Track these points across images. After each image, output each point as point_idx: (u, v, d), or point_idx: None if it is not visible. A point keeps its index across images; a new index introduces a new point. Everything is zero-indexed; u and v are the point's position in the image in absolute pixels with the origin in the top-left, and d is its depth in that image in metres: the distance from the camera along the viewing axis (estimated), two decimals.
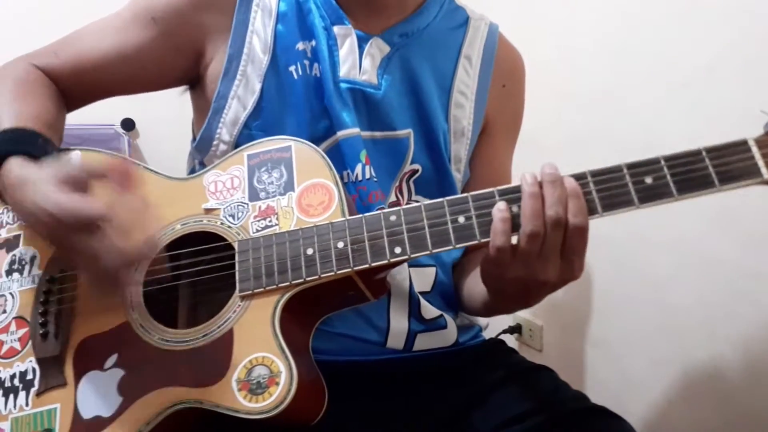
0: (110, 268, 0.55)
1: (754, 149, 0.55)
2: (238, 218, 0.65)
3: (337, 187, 0.64)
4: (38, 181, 0.57)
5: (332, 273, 0.59)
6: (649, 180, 0.56)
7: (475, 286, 0.75)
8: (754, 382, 1.01)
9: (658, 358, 1.18)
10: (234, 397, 0.56)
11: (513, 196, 0.58)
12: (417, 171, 0.79)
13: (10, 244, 0.69)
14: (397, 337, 0.76)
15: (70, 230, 0.55)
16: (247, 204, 0.66)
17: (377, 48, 0.77)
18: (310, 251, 0.61)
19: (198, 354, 0.59)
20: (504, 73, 0.85)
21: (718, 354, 1.07)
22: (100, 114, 0.82)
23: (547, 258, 0.56)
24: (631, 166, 0.57)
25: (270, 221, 0.64)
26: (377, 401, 0.75)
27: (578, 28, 1.34)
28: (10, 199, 0.61)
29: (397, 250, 0.59)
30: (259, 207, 0.65)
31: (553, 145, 1.39)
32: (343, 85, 0.75)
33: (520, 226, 0.57)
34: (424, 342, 0.78)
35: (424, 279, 0.80)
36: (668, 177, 0.56)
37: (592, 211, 0.56)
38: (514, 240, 0.57)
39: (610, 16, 1.25)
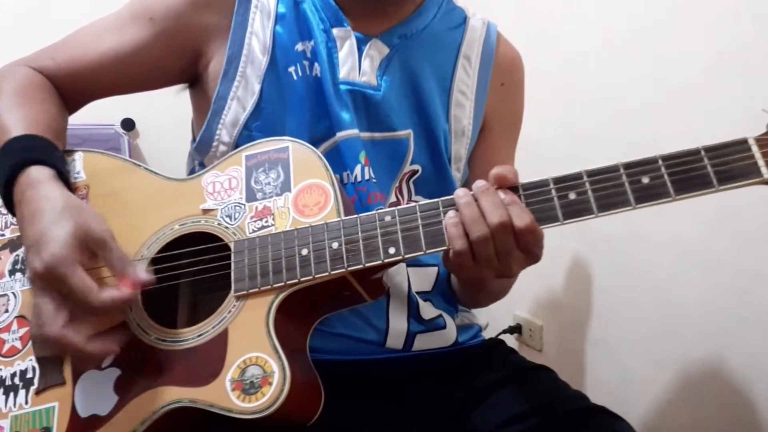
0: (52, 334, 0.54)
1: (755, 148, 0.54)
2: (235, 219, 0.65)
3: (333, 187, 0.64)
4: (61, 224, 0.56)
5: (326, 273, 0.59)
6: (646, 180, 0.55)
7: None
8: (754, 382, 1.00)
9: (658, 358, 1.17)
10: (227, 396, 0.56)
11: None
12: (417, 171, 0.79)
13: (14, 244, 0.70)
14: (396, 338, 0.76)
15: (58, 293, 0.55)
16: (244, 205, 0.66)
17: (376, 50, 0.77)
18: (304, 251, 0.61)
19: (193, 354, 0.59)
20: (503, 72, 0.84)
21: (718, 354, 1.06)
22: (100, 114, 0.82)
23: (507, 256, 0.57)
24: (628, 166, 0.56)
25: (266, 222, 0.64)
26: (377, 401, 0.75)
27: (579, 29, 1.34)
28: (20, 214, 0.60)
29: (391, 250, 0.59)
30: (256, 207, 0.65)
31: (554, 146, 1.39)
32: (343, 87, 0.75)
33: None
34: (424, 342, 0.78)
35: (424, 278, 0.80)
36: (666, 177, 0.55)
37: (587, 212, 0.56)
38: None
39: (611, 17, 1.25)
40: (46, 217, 0.57)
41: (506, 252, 0.57)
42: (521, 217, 0.56)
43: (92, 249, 0.57)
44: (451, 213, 0.58)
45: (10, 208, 0.63)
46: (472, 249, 0.57)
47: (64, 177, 0.64)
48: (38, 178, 0.61)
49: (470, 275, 0.59)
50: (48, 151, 0.65)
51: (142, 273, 0.58)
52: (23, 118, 0.67)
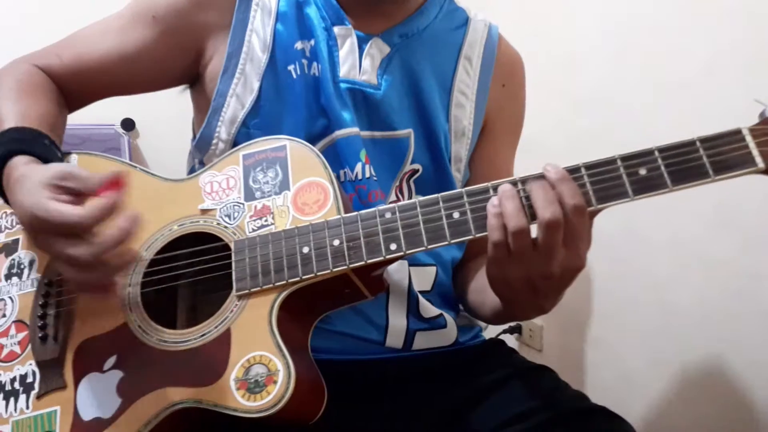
0: (90, 275, 0.55)
1: (748, 138, 0.55)
2: (234, 218, 0.65)
3: (332, 185, 0.64)
4: (33, 183, 0.57)
5: (328, 271, 0.60)
6: (643, 171, 0.56)
7: (484, 297, 0.74)
8: (753, 382, 1.01)
9: (658, 358, 1.17)
10: (232, 396, 0.56)
11: None
12: (417, 171, 0.79)
13: (9, 249, 0.69)
14: (396, 335, 0.76)
15: (51, 235, 0.55)
16: (243, 204, 0.66)
17: (377, 48, 0.77)
18: (306, 249, 0.61)
19: (196, 354, 0.59)
20: (504, 74, 0.85)
21: (717, 354, 1.07)
22: (100, 114, 0.82)
23: (547, 251, 0.56)
24: (626, 158, 0.56)
25: (266, 220, 0.64)
26: (377, 401, 0.75)
27: (578, 29, 1.35)
28: (11, 198, 0.61)
29: (393, 246, 0.59)
30: (255, 206, 0.65)
31: (555, 146, 1.39)
32: (343, 85, 0.75)
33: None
34: (424, 341, 0.78)
35: (424, 278, 0.80)
36: (662, 168, 0.55)
37: (586, 204, 0.56)
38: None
39: (610, 17, 1.26)
40: (25, 188, 0.58)
41: (545, 251, 0.55)
42: (573, 197, 0.54)
43: (63, 186, 0.57)
44: (495, 200, 0.56)
45: (4, 196, 0.65)
46: (507, 240, 0.55)
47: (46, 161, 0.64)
48: (22, 163, 0.62)
49: (504, 275, 0.58)
50: (35, 143, 0.64)
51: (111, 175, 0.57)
52: (15, 111, 0.67)
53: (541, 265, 0.56)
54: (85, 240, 0.55)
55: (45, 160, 0.63)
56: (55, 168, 0.58)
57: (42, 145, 0.65)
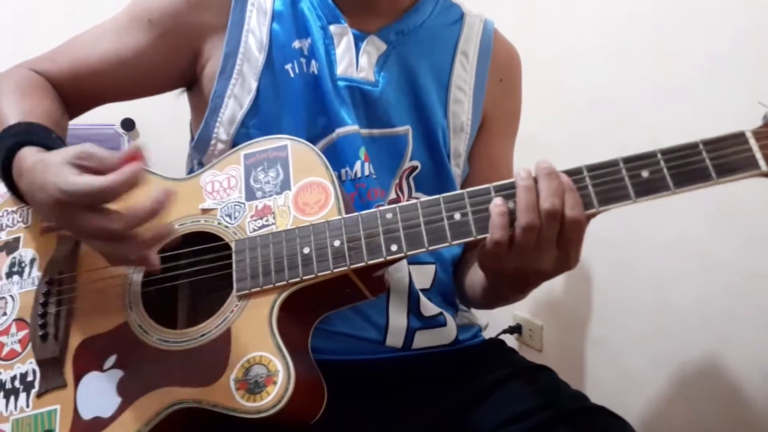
0: (123, 248, 0.55)
1: (752, 141, 0.55)
2: (235, 218, 0.65)
3: (333, 185, 0.64)
4: (53, 163, 0.57)
5: (329, 272, 0.59)
6: (645, 174, 0.56)
7: (476, 276, 0.75)
8: (753, 382, 1.01)
9: (658, 358, 1.17)
10: (232, 396, 0.56)
11: (509, 192, 0.58)
12: (416, 167, 0.79)
13: (10, 247, 0.69)
14: (395, 335, 0.76)
15: (80, 209, 0.55)
16: (244, 203, 0.66)
17: (373, 46, 0.77)
18: (306, 250, 0.61)
19: (196, 354, 0.59)
20: (501, 68, 0.85)
21: (718, 354, 1.06)
22: (100, 114, 0.82)
23: (544, 249, 0.57)
24: (628, 160, 0.56)
25: (267, 220, 0.64)
26: (377, 401, 0.75)
27: (579, 28, 1.34)
28: (25, 185, 0.61)
29: (394, 247, 0.59)
30: (256, 206, 0.65)
31: (555, 145, 1.39)
32: (341, 84, 0.75)
33: (515, 220, 0.56)
34: (424, 339, 0.78)
35: (423, 276, 0.80)
36: (665, 170, 0.55)
37: (588, 206, 0.56)
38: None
39: (611, 16, 1.25)
40: (45, 167, 0.58)
41: (547, 241, 0.56)
42: (573, 207, 0.55)
43: (83, 165, 0.56)
44: (499, 200, 0.57)
45: (12, 188, 0.64)
46: (512, 237, 0.56)
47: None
48: (33, 153, 0.61)
49: (499, 266, 0.59)
50: (40, 135, 0.64)
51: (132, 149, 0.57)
52: (20, 109, 0.67)
53: (536, 262, 0.57)
54: (115, 212, 0.54)
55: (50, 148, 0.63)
56: (73, 148, 0.58)
57: (50, 138, 0.64)
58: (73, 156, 0.56)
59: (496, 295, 0.73)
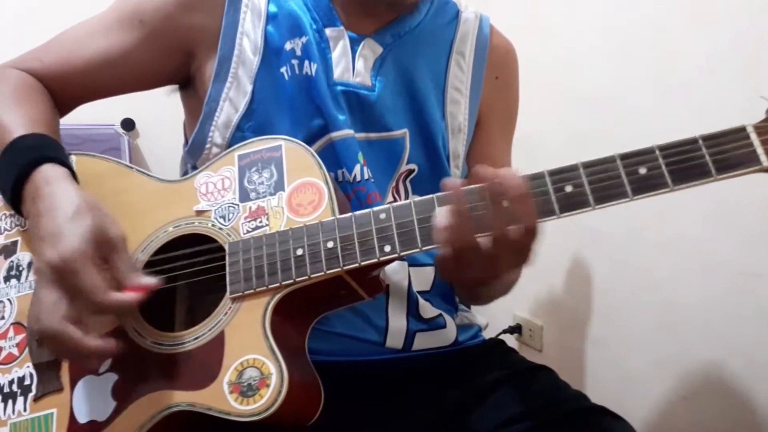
0: (52, 326, 0.54)
1: (753, 136, 0.53)
2: (229, 219, 0.65)
3: (327, 185, 0.63)
4: (77, 220, 0.56)
5: (322, 273, 0.59)
6: (643, 170, 0.54)
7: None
8: (754, 382, 1.00)
9: (658, 358, 1.17)
10: (225, 399, 0.56)
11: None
12: (413, 171, 0.78)
13: (7, 251, 0.69)
14: (396, 337, 0.76)
15: (59, 281, 0.54)
16: (238, 205, 0.65)
17: (370, 49, 0.76)
18: (299, 251, 0.60)
19: (190, 357, 0.59)
20: (497, 65, 0.84)
21: (718, 354, 1.06)
22: (100, 114, 0.82)
23: (496, 259, 0.55)
24: (625, 157, 0.55)
25: (260, 222, 0.64)
26: (377, 401, 0.74)
27: (579, 29, 1.34)
28: (35, 210, 0.60)
29: (387, 248, 0.58)
30: (250, 208, 0.65)
31: (554, 145, 1.38)
32: (338, 88, 0.74)
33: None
34: (424, 341, 0.77)
35: (423, 278, 0.79)
36: (663, 167, 0.54)
37: (584, 204, 0.55)
38: None
39: (611, 17, 1.25)
40: (65, 213, 0.57)
41: (493, 257, 0.55)
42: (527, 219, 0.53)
43: (105, 250, 0.57)
44: (440, 214, 0.55)
45: (17, 204, 0.63)
46: (455, 255, 0.55)
47: (74, 176, 0.64)
48: (55, 175, 0.61)
49: (453, 278, 0.59)
50: (58, 150, 0.64)
51: (148, 278, 0.58)
52: (23, 116, 0.67)
53: (492, 270, 0.56)
54: (85, 321, 0.55)
55: (73, 172, 0.64)
56: (112, 230, 0.57)
57: (63, 152, 0.64)
58: (92, 238, 0.56)
59: (473, 297, 0.73)
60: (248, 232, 0.63)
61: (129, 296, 0.55)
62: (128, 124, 1.63)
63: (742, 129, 0.54)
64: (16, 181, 0.62)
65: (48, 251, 0.55)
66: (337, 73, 0.74)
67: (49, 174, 0.61)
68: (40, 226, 0.58)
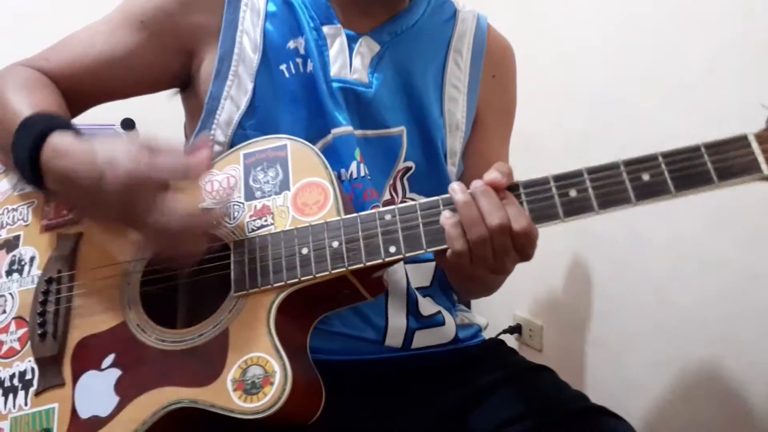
0: (174, 230, 0.55)
1: (754, 144, 0.54)
2: (234, 218, 0.65)
3: (333, 186, 0.64)
4: (109, 142, 0.56)
5: (327, 273, 0.59)
6: (646, 177, 0.55)
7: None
8: (753, 382, 1.01)
9: (658, 358, 1.17)
10: (229, 397, 0.56)
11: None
12: (410, 168, 0.79)
13: (10, 245, 0.69)
14: (395, 335, 0.76)
15: (154, 188, 0.55)
16: (243, 203, 0.66)
17: (367, 47, 0.76)
18: (305, 251, 0.60)
19: (194, 354, 0.59)
20: (494, 64, 0.84)
21: (717, 354, 1.06)
22: (100, 114, 0.82)
23: (503, 257, 0.57)
24: (629, 163, 0.56)
25: (265, 221, 0.64)
26: (377, 400, 0.75)
27: (579, 29, 1.34)
28: (65, 166, 0.57)
29: (392, 249, 0.59)
30: (255, 206, 0.65)
31: (554, 146, 1.39)
32: (335, 85, 0.75)
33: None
34: (423, 339, 0.78)
35: (423, 274, 0.80)
36: (666, 173, 0.55)
37: (588, 209, 0.56)
38: None
39: (611, 17, 1.25)
40: (101, 145, 0.57)
41: (503, 252, 0.57)
42: (518, 220, 0.56)
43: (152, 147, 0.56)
44: (447, 213, 0.58)
45: (34, 175, 0.61)
46: (470, 249, 0.56)
47: None
48: (69, 138, 0.60)
49: (465, 274, 0.60)
50: (71, 125, 0.63)
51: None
52: (35, 102, 0.66)
53: (500, 268, 0.58)
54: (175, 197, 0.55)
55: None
56: (132, 142, 0.57)
57: (70, 125, 0.63)
58: (140, 140, 0.56)
59: (475, 287, 0.77)
60: (253, 230, 0.64)
61: (201, 153, 0.55)
62: (128, 124, 1.62)
63: (744, 137, 0.55)
64: (32, 150, 0.60)
65: (111, 181, 0.54)
66: (334, 70, 0.75)
67: (63, 138, 0.59)
68: (78, 172, 0.56)
